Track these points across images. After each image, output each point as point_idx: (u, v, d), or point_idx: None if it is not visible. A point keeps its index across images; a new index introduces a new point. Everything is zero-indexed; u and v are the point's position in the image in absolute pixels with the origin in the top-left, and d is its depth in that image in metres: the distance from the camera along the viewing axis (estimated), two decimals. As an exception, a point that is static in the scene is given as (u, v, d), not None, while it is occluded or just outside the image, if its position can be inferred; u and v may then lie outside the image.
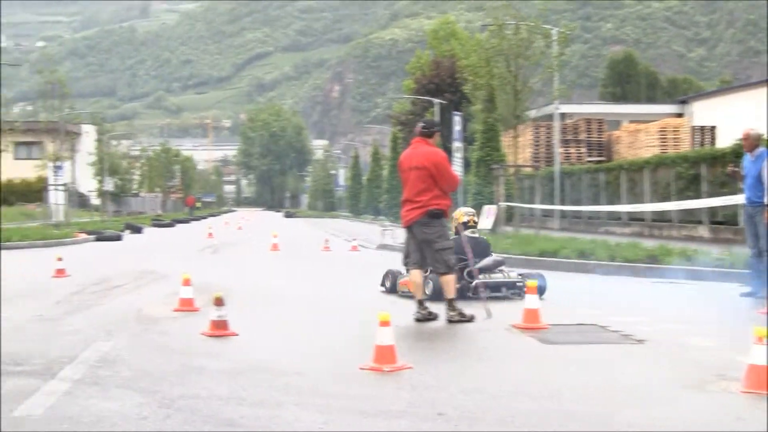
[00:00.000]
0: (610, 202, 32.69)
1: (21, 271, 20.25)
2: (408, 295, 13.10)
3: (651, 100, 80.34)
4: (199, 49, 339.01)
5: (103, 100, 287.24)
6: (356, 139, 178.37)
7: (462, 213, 13.86)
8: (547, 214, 38.24)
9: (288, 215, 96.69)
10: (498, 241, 22.93)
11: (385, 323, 7.62)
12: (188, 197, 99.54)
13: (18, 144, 68.59)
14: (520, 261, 19.93)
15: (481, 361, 8.39)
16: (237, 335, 9.58)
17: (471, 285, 13.13)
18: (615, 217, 32.51)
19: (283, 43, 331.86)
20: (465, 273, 13.24)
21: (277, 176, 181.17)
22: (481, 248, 13.92)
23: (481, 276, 13.23)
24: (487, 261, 13.69)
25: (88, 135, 71.56)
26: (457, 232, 13.51)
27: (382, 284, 14.81)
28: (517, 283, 13.53)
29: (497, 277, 13.60)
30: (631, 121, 49.14)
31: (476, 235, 13.98)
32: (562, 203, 36.58)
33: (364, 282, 16.33)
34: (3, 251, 27.61)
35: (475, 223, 13.94)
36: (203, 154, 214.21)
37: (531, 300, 10.14)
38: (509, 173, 29.46)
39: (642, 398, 6.61)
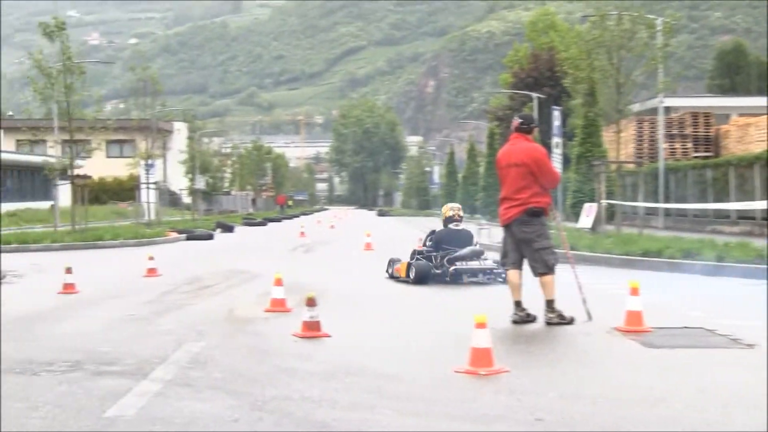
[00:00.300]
0: (718, 200, 32.05)
1: (113, 271, 20.68)
2: (402, 281, 16.27)
3: (762, 92, 78.58)
4: (292, 45, 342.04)
5: (195, 97, 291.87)
6: (451, 135, 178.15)
7: (448, 207, 16.98)
8: (651, 212, 37.67)
9: (381, 214, 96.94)
10: (599, 240, 22.67)
11: (481, 325, 7.60)
12: (279, 195, 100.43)
13: (110, 142, 70.19)
14: (623, 261, 19.69)
15: (581, 365, 8.31)
16: (329, 336, 9.64)
17: (450, 271, 15.79)
18: (723, 216, 31.87)
19: (376, 38, 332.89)
20: (445, 260, 15.95)
21: (370, 173, 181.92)
22: (464, 239, 16.49)
23: (459, 263, 15.84)
24: (464, 251, 16.09)
25: (180, 132, 72.91)
26: (445, 225, 16.69)
27: (387, 270, 17.48)
28: (494, 270, 15.59)
29: (474, 264, 15.93)
30: (741, 115, 48.09)
31: (460, 227, 16.61)
32: (667, 201, 35.99)
33: (460, 281, 16.28)
34: (96, 250, 28.28)
35: (460, 217, 16.73)
36: (295, 151, 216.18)
37: (633, 302, 9.99)
38: (611, 170, 29.10)
39: (752, 405, 6.47)
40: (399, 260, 17.23)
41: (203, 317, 11.54)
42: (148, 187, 44.65)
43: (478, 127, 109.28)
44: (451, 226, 16.66)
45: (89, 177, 35.13)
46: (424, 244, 17.10)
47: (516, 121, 11.24)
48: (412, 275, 16.02)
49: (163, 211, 49.30)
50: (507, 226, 11.04)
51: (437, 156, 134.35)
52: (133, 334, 10.22)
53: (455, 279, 15.80)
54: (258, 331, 10.37)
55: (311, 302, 9.69)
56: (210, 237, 36.54)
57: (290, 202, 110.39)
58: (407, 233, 41.66)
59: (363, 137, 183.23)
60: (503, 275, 14.34)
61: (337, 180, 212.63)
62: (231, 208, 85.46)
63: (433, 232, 17.05)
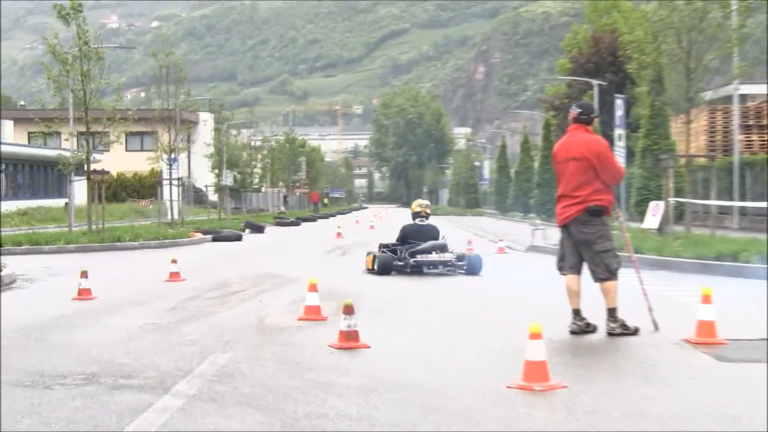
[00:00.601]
0: (800, 198, 31.73)
1: (132, 275, 20.79)
2: (371, 273, 19.45)
3: None
4: (328, 28, 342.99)
5: (222, 85, 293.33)
6: (503, 127, 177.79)
7: (416, 204, 20.76)
8: (725, 211, 37.35)
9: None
10: (666, 242, 22.51)
11: (536, 335, 7.55)
12: (313, 192, 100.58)
13: (130, 134, 70.64)
14: (693, 265, 19.54)
15: (646, 380, 8.23)
16: (369, 347, 9.65)
17: (410, 262, 19.03)
18: (806, 215, 31.54)
19: (420, 19, 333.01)
20: (407, 253, 19.14)
21: (414, 169, 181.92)
22: (430, 234, 19.84)
23: (419, 256, 19.05)
24: (425, 245, 19.32)
25: (206, 124, 73.18)
26: (413, 220, 20.26)
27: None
28: (456, 262, 19.15)
29: (433, 257, 19.06)
30: (825, 103, 47.58)
31: (425, 222, 20.16)
32: (743, 199, 35.68)
33: (511, 288, 16.23)
34: (114, 253, 28.48)
35: (427, 213, 20.31)
36: (332, 144, 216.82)
37: (705, 310, 9.89)
38: (679, 164, 28.89)
39: (838, 427, 6.39)
40: (372, 252, 20.29)
41: (231, 326, 11.58)
42: (170, 184, 44.87)
43: (533, 117, 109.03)
44: (417, 221, 20.27)
45: (107, 172, 35.38)
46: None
47: (574, 110, 11.16)
48: (376, 267, 19.34)
49: (187, 210, 49.54)
50: (565, 227, 10.97)
51: (487, 149, 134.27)
52: (154, 344, 10.27)
53: (415, 270, 19.12)
54: (290, 342, 10.39)
55: (349, 310, 9.69)
56: (238, 238, 36.70)
57: (326, 200, 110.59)
58: (455, 235, 41.58)
59: (406, 129, 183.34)
60: (465, 267, 19.09)
61: (377, 176, 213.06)
62: (261, 206, 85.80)
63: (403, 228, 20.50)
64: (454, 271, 19.11)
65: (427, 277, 18.58)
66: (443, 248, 19.35)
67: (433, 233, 19.87)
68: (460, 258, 19.28)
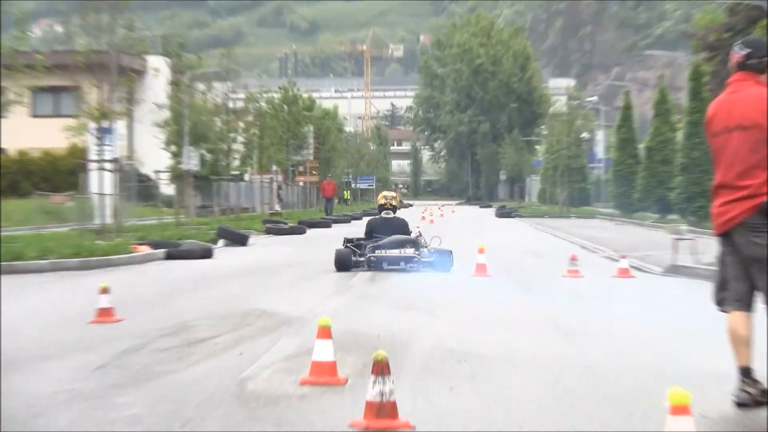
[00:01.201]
0: None
1: (39, 312, 20.81)
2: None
3: None
4: None
5: (183, 14, 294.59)
6: (627, 78, 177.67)
7: (381, 196, 29.48)
8: None
9: (502, 213, 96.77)
10: None
11: (681, 409, 7.47)
12: (326, 182, 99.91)
13: (38, 91, 70.61)
14: None
15: None
16: (412, 428, 9.62)
17: (370, 258, 26.78)
18: None
19: None
20: (368, 248, 26.97)
21: (485, 144, 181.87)
22: (397, 227, 27.95)
23: (378, 251, 26.60)
24: (385, 240, 27.13)
25: (158, 74, 73.34)
26: (379, 213, 28.85)
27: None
28: (421, 258, 26.64)
29: (394, 252, 26.68)
30: None
31: (391, 216, 28.44)
32: None
33: (641, 331, 16.16)
34: (10, 277, 28.55)
35: (392, 206, 28.53)
36: (356, 106, 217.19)
37: None
38: None
39: None
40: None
41: (194, 394, 11.57)
42: (102, 168, 45.00)
43: (674, 62, 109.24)
44: (383, 214, 28.57)
45: (1, 150, 35.50)
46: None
47: (740, 52, 11.04)
48: (333, 263, 26.90)
49: (127, 210, 49.66)
50: (726, 235, 10.86)
51: (602, 113, 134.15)
52: (73, 423, 10.24)
53: (374, 266, 26.74)
54: (288, 419, 10.38)
55: (382, 368, 9.61)
56: (207, 254, 36.73)
57: (346, 194, 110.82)
58: (550, 246, 41.51)
59: (472, 81, 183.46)
60: (433, 263, 26.48)
61: (426, 155, 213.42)
62: (243, 203, 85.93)
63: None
64: (415, 267, 26.57)
65: (516, 308, 18.48)
66: (415, 243, 27.20)
67: (400, 227, 28.13)
68: (428, 254, 26.80)
